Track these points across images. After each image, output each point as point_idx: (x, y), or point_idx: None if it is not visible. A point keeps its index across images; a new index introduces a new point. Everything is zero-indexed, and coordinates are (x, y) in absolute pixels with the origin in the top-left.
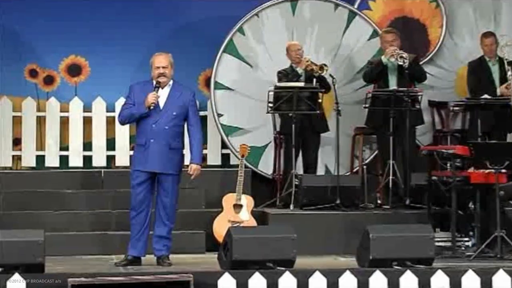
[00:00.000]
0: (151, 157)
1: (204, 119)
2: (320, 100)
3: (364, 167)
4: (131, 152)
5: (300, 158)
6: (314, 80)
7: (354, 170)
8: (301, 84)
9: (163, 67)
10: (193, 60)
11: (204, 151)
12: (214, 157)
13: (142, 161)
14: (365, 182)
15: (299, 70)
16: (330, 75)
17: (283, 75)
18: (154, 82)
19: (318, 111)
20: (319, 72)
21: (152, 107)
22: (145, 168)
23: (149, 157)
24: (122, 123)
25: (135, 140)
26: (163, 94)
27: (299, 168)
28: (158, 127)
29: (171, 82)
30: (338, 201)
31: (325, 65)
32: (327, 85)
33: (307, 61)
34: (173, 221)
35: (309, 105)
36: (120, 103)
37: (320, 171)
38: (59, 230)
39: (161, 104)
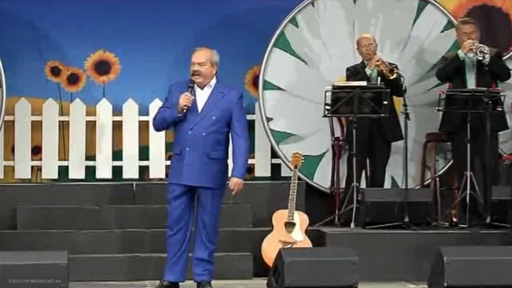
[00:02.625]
0: (187, 169)
1: (251, 124)
2: (385, 102)
3: (437, 179)
4: (168, 162)
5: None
6: (379, 78)
7: (425, 182)
8: (363, 83)
9: (199, 64)
10: (238, 56)
11: (251, 161)
12: (262, 168)
13: (177, 173)
14: (438, 197)
15: (368, 70)
16: (398, 73)
17: (351, 73)
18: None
19: (382, 114)
20: (389, 75)
21: (185, 110)
22: (180, 181)
23: (184, 168)
24: (157, 129)
25: (172, 149)
26: (202, 95)
27: (361, 181)
28: (195, 133)
29: (213, 82)
30: (406, 219)
31: (396, 67)
32: (399, 89)
33: (378, 61)
34: (215, 242)
35: (372, 108)
36: (154, 105)
37: (386, 184)
38: (85, 252)
39: (200, 107)
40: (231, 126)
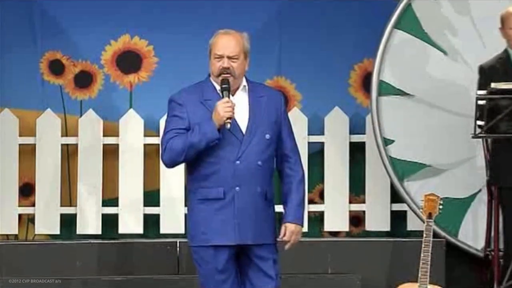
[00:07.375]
0: (238, 220)
1: (360, 147)
2: None
3: None
4: None
5: None
6: None
7: None
8: None
9: (230, 58)
10: (339, 45)
11: (360, 207)
12: (377, 218)
13: (219, 229)
14: None
15: None
16: None
17: (491, 70)
18: (215, 83)
19: None
20: None
21: (228, 125)
22: (231, 241)
23: (236, 219)
24: (172, 163)
25: (192, 193)
26: (239, 105)
27: None
28: (247, 163)
29: (245, 82)
30: None
31: None
32: None
33: None
34: None
35: None
36: None
37: None
38: None
39: (241, 123)
40: (280, 145)
